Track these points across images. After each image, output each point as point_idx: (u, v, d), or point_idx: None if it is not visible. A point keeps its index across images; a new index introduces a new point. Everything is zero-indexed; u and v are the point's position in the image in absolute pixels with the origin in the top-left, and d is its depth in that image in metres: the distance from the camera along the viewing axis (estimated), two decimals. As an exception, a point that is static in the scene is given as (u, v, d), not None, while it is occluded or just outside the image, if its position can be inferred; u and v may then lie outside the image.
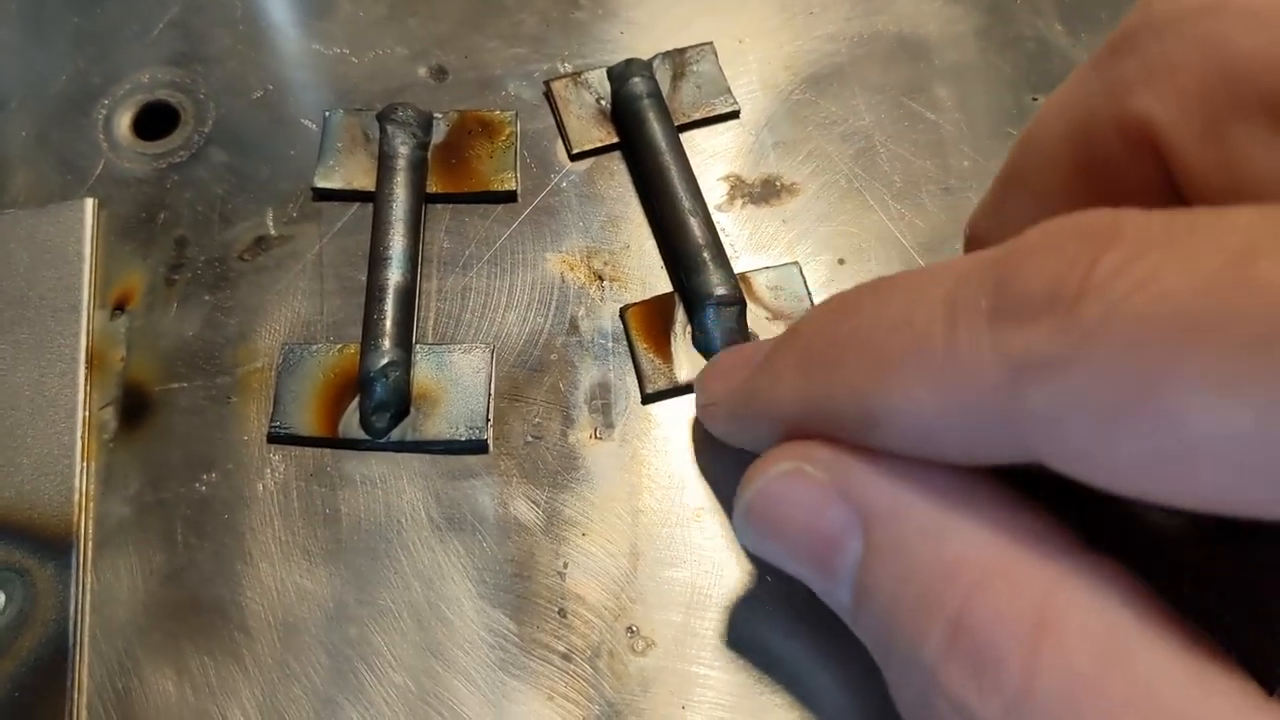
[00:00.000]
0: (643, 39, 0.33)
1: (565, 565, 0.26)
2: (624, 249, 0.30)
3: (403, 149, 0.29)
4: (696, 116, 0.31)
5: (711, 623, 0.25)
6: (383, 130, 0.30)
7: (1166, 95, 0.16)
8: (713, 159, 0.31)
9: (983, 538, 0.16)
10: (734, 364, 0.23)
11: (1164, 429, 0.13)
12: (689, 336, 0.28)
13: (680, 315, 0.28)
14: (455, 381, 0.28)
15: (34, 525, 0.26)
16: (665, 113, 0.30)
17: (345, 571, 0.26)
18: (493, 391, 0.28)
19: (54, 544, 0.26)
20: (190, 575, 0.26)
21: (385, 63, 0.33)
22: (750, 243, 0.30)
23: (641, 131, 0.30)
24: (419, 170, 0.30)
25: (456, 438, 0.27)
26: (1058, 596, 0.15)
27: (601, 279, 0.29)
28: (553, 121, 0.32)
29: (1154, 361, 0.12)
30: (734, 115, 0.31)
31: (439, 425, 0.27)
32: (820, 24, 0.33)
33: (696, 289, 0.28)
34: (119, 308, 0.29)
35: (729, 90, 0.32)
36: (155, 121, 0.32)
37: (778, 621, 0.25)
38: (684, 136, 0.30)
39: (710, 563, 0.26)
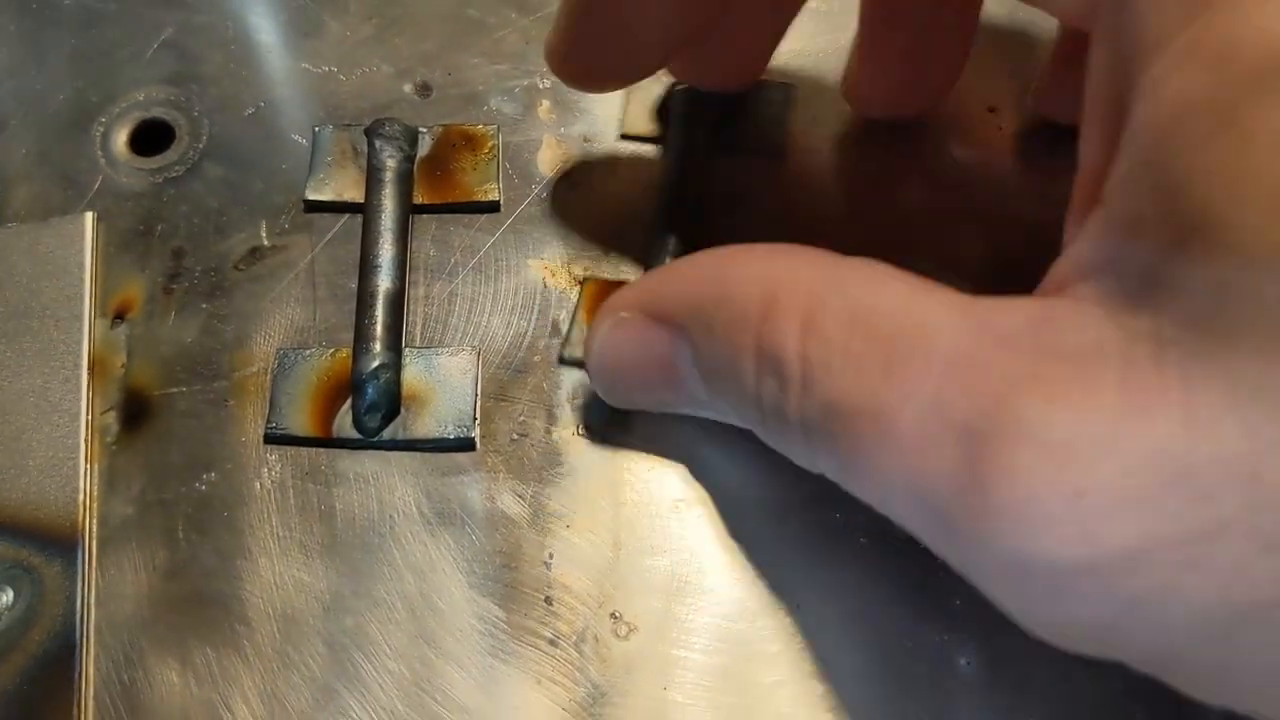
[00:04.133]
0: (619, 55, 0.34)
1: (551, 556, 0.27)
2: (602, 255, 0.31)
3: (390, 162, 0.31)
4: None
5: (691, 608, 0.26)
6: (370, 144, 0.31)
7: None
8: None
9: (761, 287, 0.19)
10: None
11: None
12: None
13: None
14: (443, 383, 0.29)
15: (40, 525, 0.27)
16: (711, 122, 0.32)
17: (341, 565, 0.27)
18: (479, 392, 0.29)
19: (60, 542, 0.27)
20: (192, 571, 0.27)
21: (372, 80, 0.34)
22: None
23: (679, 137, 0.32)
24: (406, 182, 0.31)
25: (445, 436, 0.28)
26: (818, 296, 0.18)
27: (582, 284, 0.30)
28: (533, 135, 0.33)
29: None
30: None
31: (428, 424, 0.28)
32: (789, 40, 0.34)
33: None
34: (119, 316, 0.30)
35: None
36: (151, 138, 0.33)
37: (755, 605, 0.26)
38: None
39: (689, 551, 0.27)
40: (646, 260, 0.30)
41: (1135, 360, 0.15)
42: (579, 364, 0.29)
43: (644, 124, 0.33)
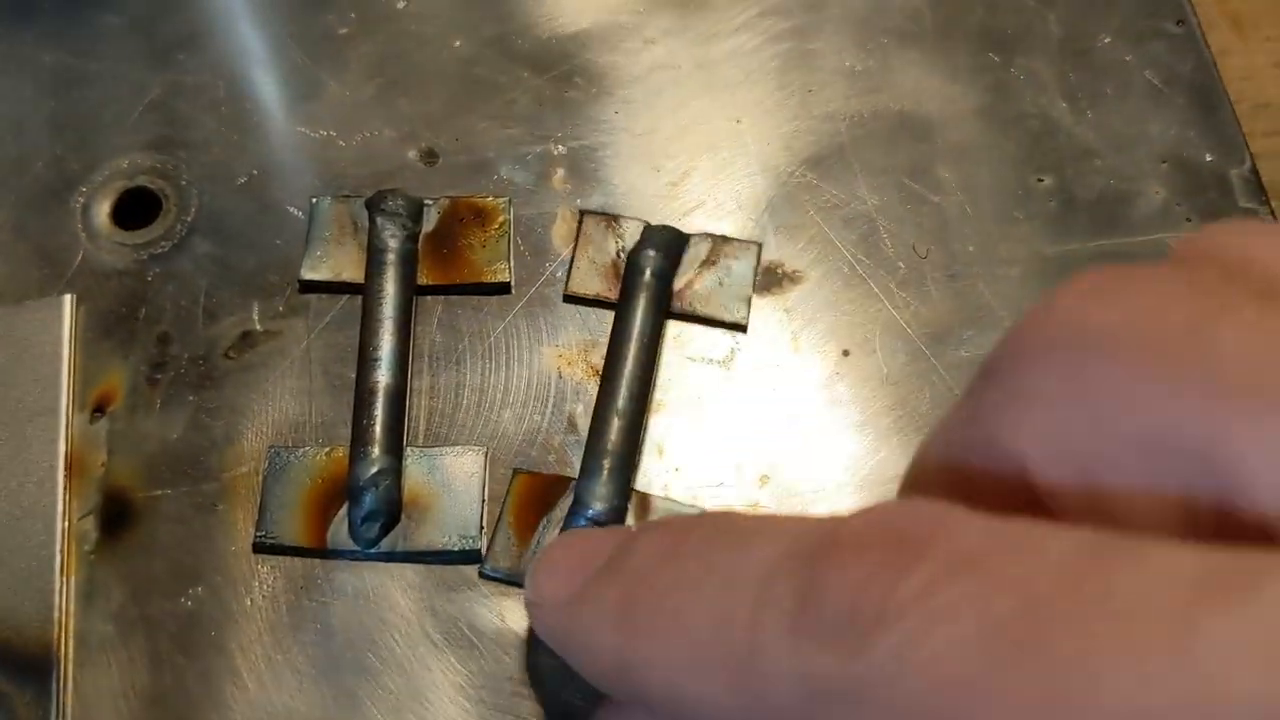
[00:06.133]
0: (637, 120, 0.32)
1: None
2: (622, 342, 0.29)
3: (392, 241, 0.28)
4: (700, 312, 0.29)
5: (719, 743, 0.24)
6: (372, 221, 0.29)
7: (1028, 425, 0.14)
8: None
9: None
10: (571, 566, 0.20)
11: None
12: (557, 532, 0.26)
13: (563, 506, 0.26)
14: (447, 486, 0.27)
15: (11, 646, 0.25)
16: (660, 300, 0.28)
17: (337, 692, 0.25)
18: (486, 496, 0.27)
19: (33, 665, 0.25)
20: (176, 697, 0.25)
21: (374, 146, 0.32)
22: (755, 335, 0.29)
23: (627, 309, 0.28)
24: (409, 264, 0.29)
25: (449, 548, 0.26)
26: None
27: (599, 374, 0.28)
28: (547, 208, 0.31)
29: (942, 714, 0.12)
30: (739, 328, 0.29)
31: (430, 534, 0.26)
32: (819, 103, 0.32)
33: (581, 493, 0.26)
34: (99, 409, 0.28)
35: (749, 300, 0.29)
36: (136, 209, 0.31)
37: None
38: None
39: (716, 678, 0.25)
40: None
41: None
42: (507, 581, 0.26)
43: (589, 288, 0.29)
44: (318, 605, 0.26)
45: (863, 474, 0.27)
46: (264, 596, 0.26)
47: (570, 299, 0.29)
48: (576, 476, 0.27)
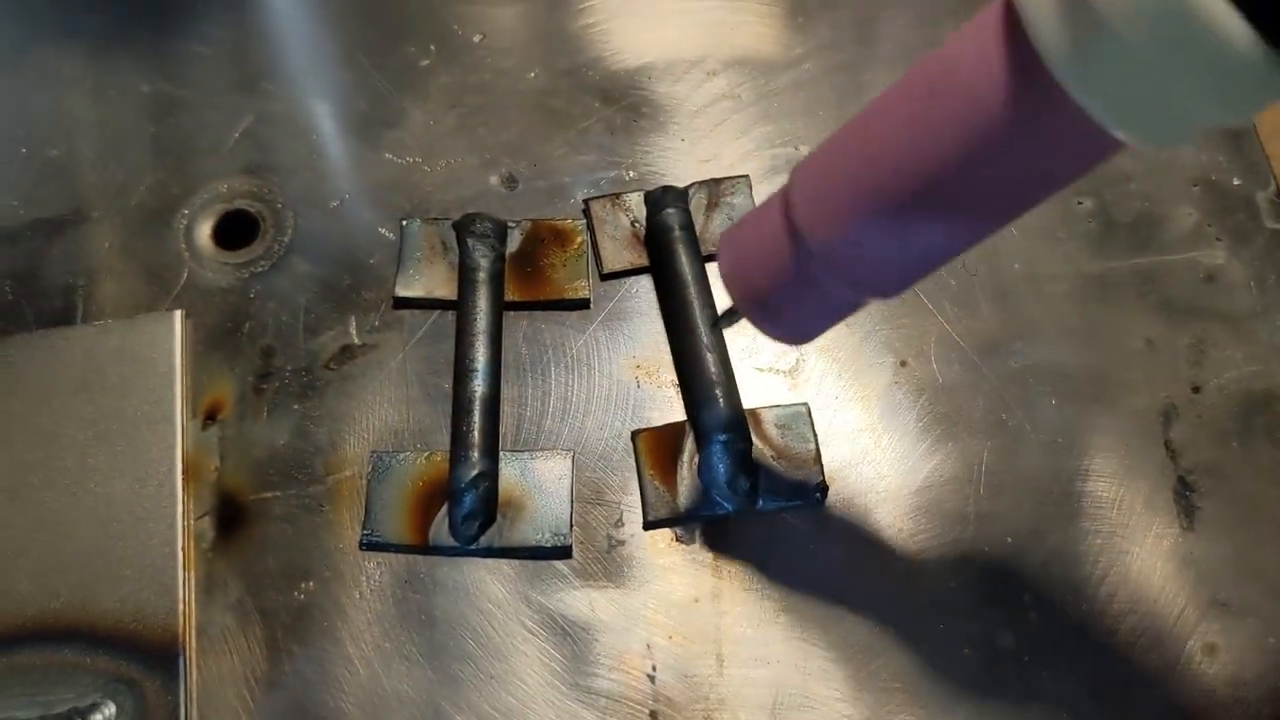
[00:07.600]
0: (701, 146, 0.34)
1: (654, 668, 0.27)
2: (695, 354, 0.31)
3: (483, 261, 0.31)
4: None
5: (797, 723, 0.26)
6: (462, 242, 0.31)
7: None
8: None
9: None
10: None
11: None
12: (695, 467, 0.29)
13: (689, 444, 0.29)
14: (539, 488, 0.29)
15: (140, 636, 0.27)
16: (694, 245, 0.31)
17: (442, 676, 0.27)
18: (574, 496, 0.29)
19: (160, 654, 0.27)
20: (294, 682, 0.27)
21: (457, 172, 0.34)
22: (818, 347, 0.31)
23: (670, 263, 0.31)
24: (498, 281, 0.31)
25: (542, 544, 0.28)
26: None
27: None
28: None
29: None
30: None
31: (525, 531, 0.28)
32: (873, 130, 0.34)
33: (705, 423, 0.28)
34: (210, 418, 0.30)
35: None
36: (236, 230, 0.33)
37: (859, 718, 0.26)
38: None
39: (792, 662, 0.27)
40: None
41: None
42: (669, 523, 0.29)
43: (622, 260, 0.32)
44: (421, 597, 0.28)
45: (921, 477, 0.29)
46: (371, 590, 0.28)
47: (608, 277, 0.32)
48: (685, 418, 0.30)
